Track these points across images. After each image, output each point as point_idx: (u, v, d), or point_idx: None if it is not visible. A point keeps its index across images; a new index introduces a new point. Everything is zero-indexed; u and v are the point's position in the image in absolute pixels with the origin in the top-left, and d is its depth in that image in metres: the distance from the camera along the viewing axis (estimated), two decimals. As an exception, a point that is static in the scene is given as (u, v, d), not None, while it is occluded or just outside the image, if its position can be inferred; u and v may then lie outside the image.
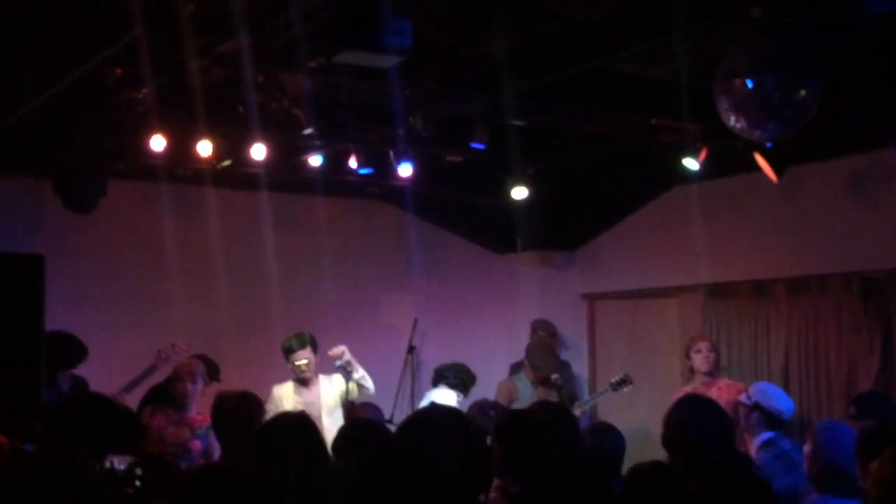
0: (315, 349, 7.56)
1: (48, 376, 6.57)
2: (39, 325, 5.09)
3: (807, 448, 4.86)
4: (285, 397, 7.34)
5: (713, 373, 7.68)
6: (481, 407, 5.98)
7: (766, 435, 6.21)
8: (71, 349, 6.96)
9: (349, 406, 7.06)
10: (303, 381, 7.47)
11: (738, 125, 4.82)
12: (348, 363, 7.37)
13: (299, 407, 7.01)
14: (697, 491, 2.75)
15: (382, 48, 4.57)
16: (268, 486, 3.33)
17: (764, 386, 6.61)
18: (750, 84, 4.59)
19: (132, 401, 7.24)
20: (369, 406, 6.66)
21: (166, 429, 6.59)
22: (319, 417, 7.11)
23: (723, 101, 4.84)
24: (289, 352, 7.48)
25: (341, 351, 7.41)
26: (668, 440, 4.00)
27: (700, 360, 7.56)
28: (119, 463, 4.28)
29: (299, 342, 7.47)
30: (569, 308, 10.06)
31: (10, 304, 5.36)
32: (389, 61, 4.82)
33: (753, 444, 6.25)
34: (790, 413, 6.49)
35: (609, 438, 5.22)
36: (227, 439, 4.79)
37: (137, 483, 3.87)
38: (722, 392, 7.39)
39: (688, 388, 7.68)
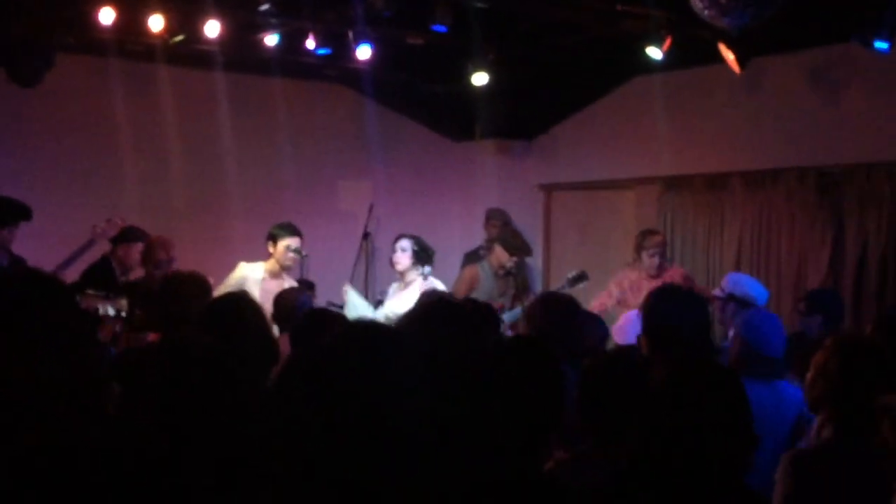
0: None
1: None
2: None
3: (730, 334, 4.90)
4: (252, 281, 6.95)
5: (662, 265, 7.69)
6: (432, 295, 5.94)
7: None
8: (11, 208, 6.79)
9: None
10: (275, 271, 7.10)
11: (707, 12, 4.74)
12: None
13: (261, 295, 6.91)
14: (661, 380, 2.74)
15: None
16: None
17: (736, 277, 6.66)
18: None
19: (70, 277, 7.15)
20: (296, 289, 6.54)
21: None
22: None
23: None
24: (285, 235, 7.08)
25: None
26: (649, 330, 3.98)
27: (652, 264, 7.53)
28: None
29: (293, 229, 7.14)
30: (525, 198, 10.06)
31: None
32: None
33: (731, 334, 6.29)
34: (764, 298, 6.46)
35: (593, 328, 5.26)
36: (177, 316, 4.70)
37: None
38: (674, 280, 7.45)
39: (633, 276, 7.67)
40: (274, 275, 7.10)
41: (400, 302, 6.98)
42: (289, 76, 9.12)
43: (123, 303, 3.97)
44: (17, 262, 7.03)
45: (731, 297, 6.28)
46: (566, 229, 9.99)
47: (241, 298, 3.74)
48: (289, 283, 7.11)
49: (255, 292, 6.84)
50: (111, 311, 3.91)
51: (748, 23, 4.72)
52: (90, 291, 3.68)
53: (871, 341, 3.70)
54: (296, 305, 5.90)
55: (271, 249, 7.10)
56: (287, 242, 7.06)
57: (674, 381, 2.75)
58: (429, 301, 3.71)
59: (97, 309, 3.85)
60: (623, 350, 4.37)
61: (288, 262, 7.13)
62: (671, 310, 3.95)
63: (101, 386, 2.82)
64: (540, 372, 2.85)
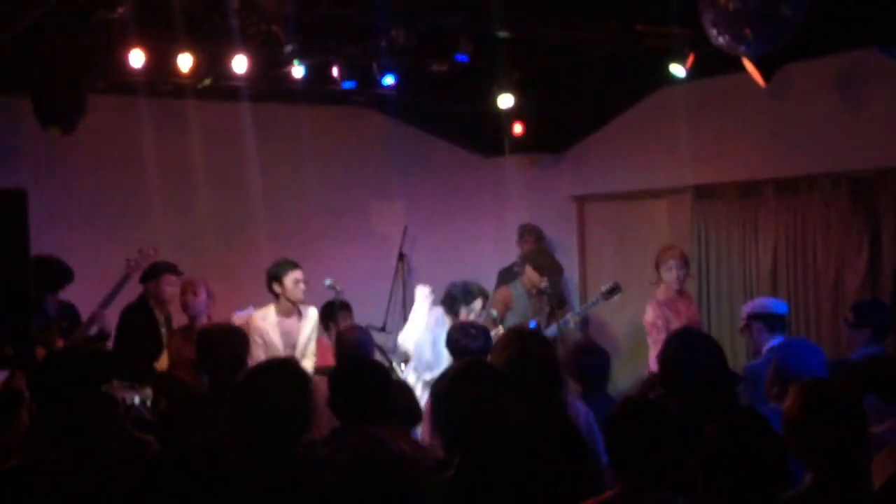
0: None
1: (35, 301, 6.56)
2: (24, 259, 5.07)
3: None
4: (268, 329, 6.92)
5: (682, 290, 7.61)
6: (463, 328, 5.99)
7: (774, 341, 6.26)
8: (56, 273, 6.93)
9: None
10: (288, 309, 7.05)
11: (722, 40, 4.74)
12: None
13: (281, 337, 6.96)
14: (713, 439, 2.85)
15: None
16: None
17: (750, 302, 6.69)
18: (734, 1, 4.49)
19: (111, 314, 7.29)
20: (357, 328, 6.63)
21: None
22: (294, 346, 7.04)
23: (707, 15, 4.76)
24: (289, 269, 7.01)
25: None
26: (665, 378, 4.05)
27: (671, 278, 7.42)
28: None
29: (293, 262, 7.08)
30: (558, 210, 10.06)
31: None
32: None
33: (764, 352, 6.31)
34: (784, 307, 6.52)
35: (599, 357, 5.33)
36: (213, 374, 4.78)
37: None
38: (689, 309, 7.44)
39: (662, 297, 7.60)
40: (287, 313, 7.05)
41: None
42: (315, 103, 9.19)
43: (149, 392, 4.05)
44: (66, 307, 7.19)
45: (752, 318, 6.28)
46: (600, 241, 9.98)
47: (277, 369, 3.76)
48: (305, 315, 7.12)
49: (276, 338, 6.90)
50: (136, 400, 4.00)
51: (764, 50, 4.70)
52: (116, 382, 3.76)
53: (836, 386, 3.65)
54: (358, 344, 6.01)
55: (278, 289, 6.98)
56: (293, 276, 6.98)
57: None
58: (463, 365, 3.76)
59: (123, 399, 3.95)
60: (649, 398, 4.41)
61: (299, 296, 7.04)
62: (684, 357, 4.02)
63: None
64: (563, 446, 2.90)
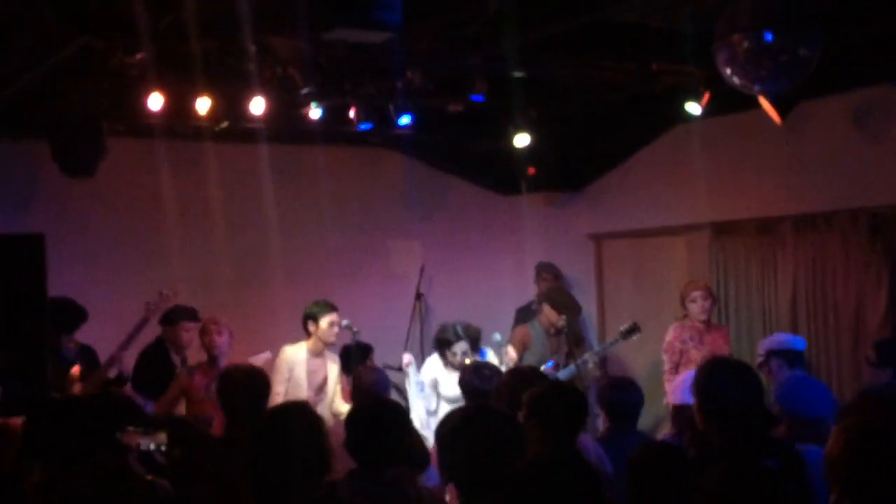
0: None
1: (51, 344, 6.59)
2: (42, 303, 5.10)
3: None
4: (298, 364, 7.05)
5: (709, 320, 7.65)
6: (476, 369, 5.98)
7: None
8: (70, 314, 6.96)
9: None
10: (319, 349, 7.14)
11: (736, 80, 4.75)
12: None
13: (308, 375, 7.01)
14: (712, 485, 2.77)
15: (372, 24, 4.50)
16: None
17: (766, 339, 6.70)
18: (749, 40, 4.49)
19: (130, 356, 7.30)
20: (374, 369, 6.65)
21: (211, 385, 6.41)
22: (318, 388, 7.12)
23: (721, 54, 4.77)
24: (326, 312, 7.09)
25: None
26: (703, 408, 3.98)
27: (697, 310, 7.50)
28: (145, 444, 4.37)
29: (331, 304, 7.14)
30: (575, 248, 10.05)
31: (11, 282, 5.37)
32: (380, 37, 4.75)
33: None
34: (802, 343, 6.58)
35: (629, 394, 5.31)
36: (230, 414, 4.79)
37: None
38: (715, 340, 7.45)
39: (681, 331, 7.61)
40: (317, 353, 7.15)
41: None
42: (332, 143, 9.21)
43: (162, 437, 4.05)
44: (84, 350, 7.21)
45: (772, 354, 6.29)
46: (618, 278, 9.96)
47: (294, 413, 3.79)
48: (330, 358, 7.20)
49: (302, 374, 6.95)
50: (151, 447, 4.01)
51: (778, 89, 4.71)
52: (130, 428, 3.77)
53: (878, 424, 3.58)
54: (373, 384, 6.01)
55: (312, 329, 7.09)
56: (330, 319, 7.09)
57: (723, 488, 2.79)
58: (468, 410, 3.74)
59: (138, 444, 3.95)
60: (668, 444, 4.36)
61: (332, 339, 7.17)
62: (722, 383, 3.95)
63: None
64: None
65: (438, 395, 7.21)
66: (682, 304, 7.60)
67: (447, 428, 3.43)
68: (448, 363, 7.14)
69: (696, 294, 7.51)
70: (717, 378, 4.06)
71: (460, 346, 7.07)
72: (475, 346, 7.15)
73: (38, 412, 3.75)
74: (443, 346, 7.17)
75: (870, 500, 3.22)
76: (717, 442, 3.85)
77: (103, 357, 7.19)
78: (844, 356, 7.81)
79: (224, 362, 6.83)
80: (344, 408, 6.95)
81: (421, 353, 9.03)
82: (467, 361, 6.81)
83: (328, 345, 7.18)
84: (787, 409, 4.62)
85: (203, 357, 7.09)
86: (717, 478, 2.84)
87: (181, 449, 3.96)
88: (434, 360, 7.33)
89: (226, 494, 3.92)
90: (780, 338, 6.76)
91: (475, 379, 5.79)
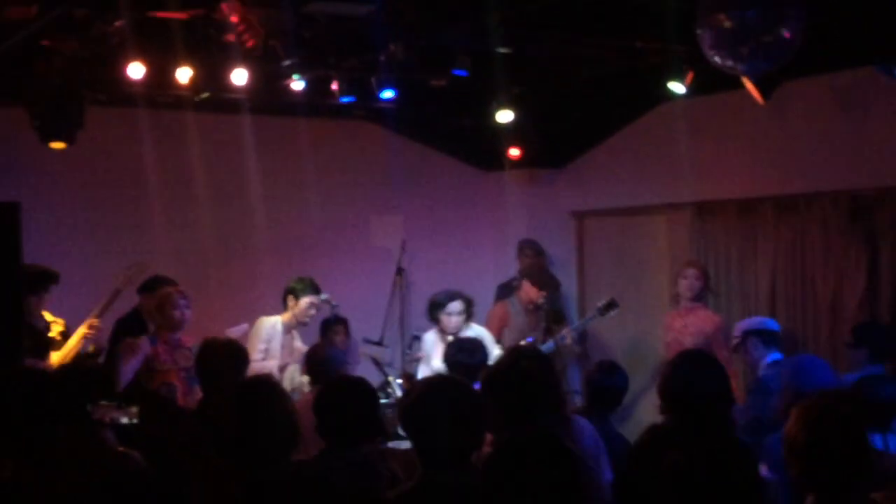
0: None
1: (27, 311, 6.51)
2: (17, 272, 5.06)
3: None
4: (275, 336, 7.05)
5: (698, 297, 7.69)
6: (460, 344, 5.99)
7: (772, 356, 6.35)
8: (36, 275, 6.81)
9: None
10: (291, 326, 7.16)
11: (719, 60, 4.73)
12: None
13: (285, 349, 7.00)
14: (676, 462, 2.78)
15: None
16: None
17: (741, 321, 6.78)
18: (731, 20, 4.47)
19: (103, 327, 7.24)
20: (328, 347, 6.64)
21: (174, 353, 6.53)
22: (285, 363, 7.13)
23: (705, 35, 4.75)
24: (309, 292, 7.13)
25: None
26: (669, 398, 4.01)
27: (685, 286, 7.60)
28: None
29: (315, 286, 7.15)
30: (557, 225, 10.05)
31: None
32: (360, 10, 4.69)
33: (761, 367, 6.38)
34: (776, 324, 6.77)
35: (615, 378, 5.33)
36: (208, 385, 4.79)
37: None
38: (697, 321, 7.49)
39: (674, 311, 7.74)
40: (289, 329, 7.16)
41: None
42: (315, 116, 9.17)
43: (134, 410, 4.04)
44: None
45: (748, 334, 6.38)
46: (599, 256, 9.96)
47: (269, 386, 3.79)
48: (296, 336, 7.19)
49: (277, 347, 6.95)
50: (124, 420, 4.00)
51: (762, 70, 4.69)
52: (103, 402, 3.76)
53: (837, 407, 3.58)
54: (327, 360, 6.00)
55: (291, 304, 7.11)
56: (310, 300, 7.13)
57: (689, 464, 2.80)
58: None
59: (111, 418, 3.94)
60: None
61: (306, 320, 7.20)
62: (687, 377, 3.99)
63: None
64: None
65: None
66: (675, 280, 7.73)
67: (409, 398, 3.45)
68: (442, 330, 7.16)
69: (690, 272, 7.68)
70: (681, 371, 4.13)
71: (454, 306, 7.11)
72: (469, 309, 7.18)
73: (8, 384, 3.73)
74: (436, 309, 7.20)
75: (827, 479, 3.24)
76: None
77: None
78: (822, 337, 7.84)
79: (181, 334, 6.78)
80: (304, 379, 6.92)
81: (401, 328, 9.04)
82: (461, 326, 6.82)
83: (301, 324, 7.19)
84: (799, 390, 4.62)
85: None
86: (684, 455, 2.85)
87: (155, 422, 3.96)
88: (431, 336, 7.35)
89: (201, 467, 3.92)
90: (756, 319, 6.90)
91: (458, 353, 5.80)
